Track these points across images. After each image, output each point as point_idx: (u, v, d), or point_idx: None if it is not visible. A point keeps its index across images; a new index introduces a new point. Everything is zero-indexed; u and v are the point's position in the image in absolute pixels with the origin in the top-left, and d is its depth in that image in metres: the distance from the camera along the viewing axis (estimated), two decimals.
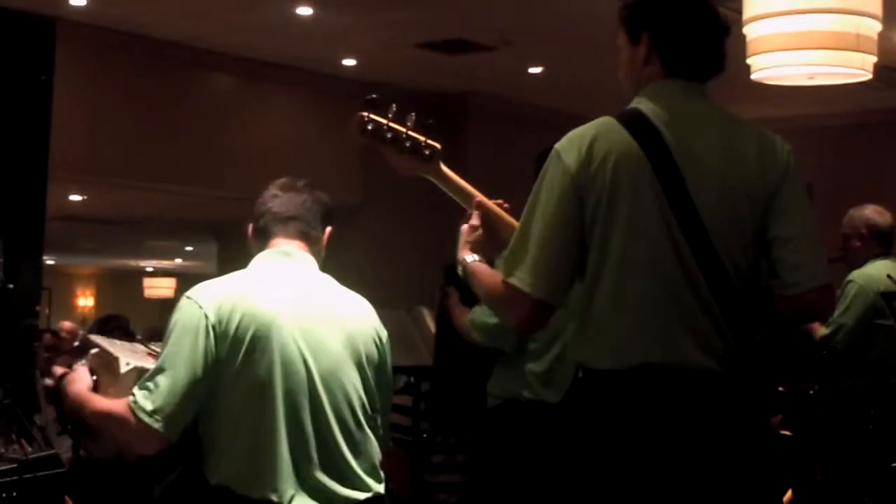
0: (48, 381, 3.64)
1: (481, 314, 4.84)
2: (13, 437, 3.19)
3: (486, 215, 3.38)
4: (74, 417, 3.54)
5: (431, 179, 3.38)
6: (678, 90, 3.11)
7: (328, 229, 3.62)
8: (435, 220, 11.27)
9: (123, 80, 9.70)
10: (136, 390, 3.26)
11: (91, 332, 10.61)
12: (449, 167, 3.52)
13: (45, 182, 4.01)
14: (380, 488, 3.46)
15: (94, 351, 3.62)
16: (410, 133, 3.29)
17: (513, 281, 3.04)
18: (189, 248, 20.25)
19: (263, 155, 10.07)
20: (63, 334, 9.67)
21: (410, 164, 3.33)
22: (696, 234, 3.00)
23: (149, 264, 24.62)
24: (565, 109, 11.02)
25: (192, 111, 10.16)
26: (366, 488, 3.41)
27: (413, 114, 3.27)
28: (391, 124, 3.29)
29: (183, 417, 3.27)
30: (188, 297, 3.35)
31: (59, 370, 3.62)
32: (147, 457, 3.46)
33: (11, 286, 3.76)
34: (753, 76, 6.33)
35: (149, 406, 3.22)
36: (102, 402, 3.42)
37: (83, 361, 3.62)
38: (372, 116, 3.28)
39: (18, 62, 4.02)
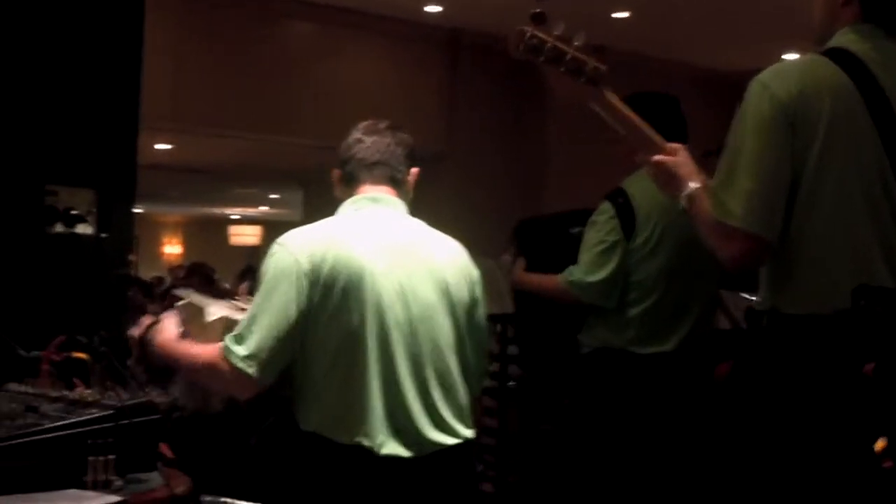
0: (135, 331, 3.67)
1: (579, 273, 4.82)
2: (109, 383, 3.24)
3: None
4: (160, 365, 3.58)
5: (593, 106, 3.17)
6: (879, 34, 3.02)
7: (414, 170, 3.62)
8: (517, 167, 11.29)
9: (208, 29, 9.76)
10: (228, 337, 3.29)
11: (176, 279, 10.78)
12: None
13: (136, 133, 4.05)
14: (469, 434, 3.47)
15: (180, 303, 3.66)
16: (576, 54, 3.07)
17: (724, 216, 2.93)
18: (274, 196, 20.35)
19: (348, 102, 10.08)
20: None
21: (572, 86, 3.10)
22: None
23: (234, 212, 24.80)
24: (650, 54, 10.94)
25: (276, 59, 10.20)
26: (456, 434, 3.42)
27: (583, 33, 3.06)
28: (555, 43, 3.06)
29: (277, 362, 3.29)
30: (280, 244, 3.37)
31: (147, 320, 3.66)
32: (242, 406, 3.50)
33: (104, 236, 3.81)
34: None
35: (242, 352, 3.25)
36: (195, 349, 3.45)
37: (171, 312, 3.65)
38: (535, 32, 3.05)
39: (108, 14, 4.06)
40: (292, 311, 3.28)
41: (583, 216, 5.12)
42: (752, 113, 2.95)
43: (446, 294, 3.46)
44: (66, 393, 3.18)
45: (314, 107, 10.24)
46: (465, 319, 3.51)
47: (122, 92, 4.10)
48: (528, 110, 11.09)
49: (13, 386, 3.27)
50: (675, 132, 4.21)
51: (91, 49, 4.01)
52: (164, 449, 3.15)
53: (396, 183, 3.57)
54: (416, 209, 3.65)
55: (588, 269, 4.81)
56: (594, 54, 3.08)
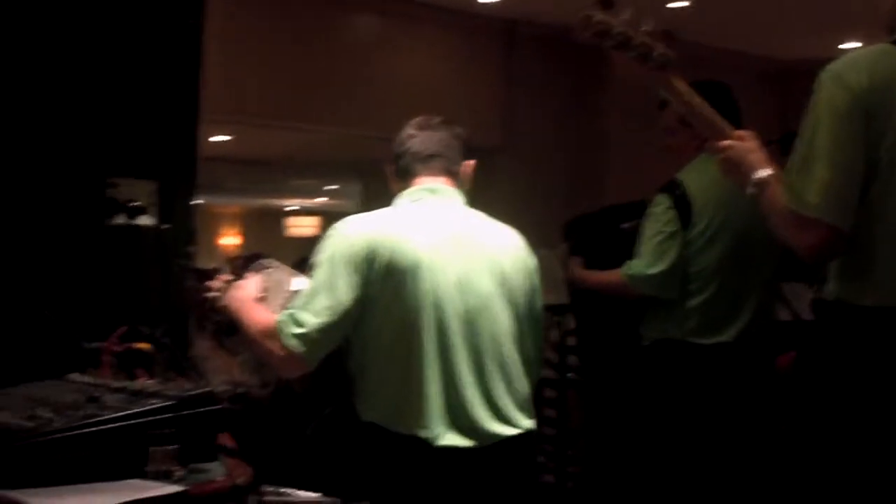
0: (213, 283, 3.70)
1: (639, 266, 4.81)
2: (170, 374, 3.26)
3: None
4: (229, 321, 3.62)
5: (660, 90, 3.19)
6: None
7: (469, 162, 3.63)
8: (576, 158, 11.25)
9: (268, 20, 9.78)
10: (283, 313, 3.31)
11: (234, 269, 10.82)
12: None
13: (197, 125, 4.08)
14: (530, 424, 3.48)
15: (267, 270, 3.69)
16: (643, 39, 3.07)
17: (799, 207, 2.91)
18: (332, 188, 20.38)
19: (406, 94, 10.08)
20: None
21: (639, 71, 3.10)
22: None
23: (292, 203, 24.84)
24: (707, 44, 10.86)
25: (334, 51, 10.20)
26: (517, 424, 3.42)
27: (650, 18, 3.07)
28: (623, 28, 3.06)
29: (325, 345, 3.31)
30: (338, 229, 3.39)
31: (225, 277, 3.70)
32: (297, 390, 3.53)
33: (165, 227, 3.83)
34: None
35: (294, 329, 3.27)
36: (258, 314, 3.48)
37: (255, 275, 3.68)
38: (603, 17, 3.06)
39: (168, 6, 4.08)
40: (348, 295, 3.30)
41: (632, 209, 5.11)
42: (825, 104, 2.92)
43: (504, 284, 3.46)
44: (127, 383, 3.20)
45: (372, 98, 10.24)
46: (523, 308, 3.51)
47: (182, 83, 4.12)
48: (586, 100, 11.03)
49: (75, 376, 3.30)
50: (728, 120, 4.20)
51: (151, 40, 4.03)
52: (225, 439, 3.16)
53: (453, 175, 3.58)
54: (474, 201, 3.66)
55: (648, 261, 4.79)
56: (662, 40, 3.07)
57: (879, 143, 2.89)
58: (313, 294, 3.32)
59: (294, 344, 3.28)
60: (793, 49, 10.89)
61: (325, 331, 3.30)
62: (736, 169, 3.11)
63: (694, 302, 4.76)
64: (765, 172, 3.04)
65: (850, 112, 2.89)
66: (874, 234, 2.92)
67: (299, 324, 3.29)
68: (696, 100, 3.17)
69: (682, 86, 3.14)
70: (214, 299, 3.65)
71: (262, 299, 3.59)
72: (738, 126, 4.70)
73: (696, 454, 4.74)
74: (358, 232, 3.37)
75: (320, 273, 3.35)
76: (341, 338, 3.35)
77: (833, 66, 2.97)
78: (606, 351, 5.60)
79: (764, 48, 11.20)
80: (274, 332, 3.31)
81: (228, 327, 3.67)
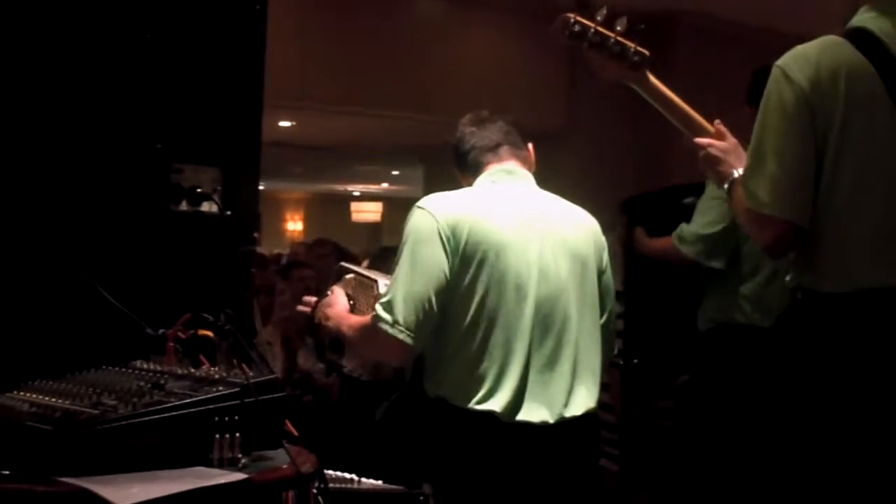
0: (304, 308, 3.80)
1: (693, 227, 4.82)
2: (234, 361, 3.25)
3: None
4: (331, 337, 3.70)
5: (636, 88, 3.29)
6: None
7: (530, 145, 3.68)
8: (642, 141, 11.18)
9: (333, 6, 9.79)
10: (378, 304, 3.37)
11: (294, 254, 10.86)
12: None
13: (261, 111, 4.07)
14: (594, 404, 3.52)
15: (349, 276, 3.76)
16: (619, 38, 3.17)
17: (754, 205, 2.96)
18: (395, 173, 20.44)
19: (471, 79, 10.06)
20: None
21: (616, 70, 3.22)
22: None
23: (356, 189, 24.95)
24: (778, 28, 10.75)
25: (398, 36, 10.20)
26: (582, 405, 3.47)
27: (625, 18, 3.15)
28: (599, 28, 3.16)
29: (425, 324, 3.38)
30: (421, 208, 3.44)
31: (312, 298, 3.79)
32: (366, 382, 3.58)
33: (229, 213, 3.83)
34: None
35: (390, 318, 3.33)
36: (354, 319, 3.56)
37: (339, 285, 3.76)
38: (579, 18, 3.15)
39: None
40: (436, 274, 3.36)
41: (694, 189, 5.13)
42: (774, 100, 2.99)
43: (580, 265, 3.52)
44: (192, 370, 3.20)
45: (437, 83, 10.23)
46: (596, 288, 3.56)
47: (246, 69, 4.11)
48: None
49: (139, 363, 3.30)
50: None
51: (216, 26, 4.02)
52: (289, 426, 3.15)
53: (521, 158, 3.64)
54: (541, 182, 3.67)
55: (702, 221, 4.84)
56: (637, 38, 3.20)
57: (826, 137, 2.92)
58: (404, 278, 3.39)
59: (395, 332, 3.36)
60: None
61: (422, 313, 3.38)
62: (713, 166, 3.18)
63: (749, 283, 4.78)
64: (738, 173, 3.09)
65: (797, 108, 2.93)
66: (823, 224, 2.95)
67: (396, 312, 3.35)
68: (674, 97, 3.32)
69: (658, 83, 3.22)
70: (314, 319, 3.76)
71: (353, 306, 3.68)
72: None
73: (760, 438, 4.73)
74: (439, 210, 3.43)
75: (405, 255, 3.41)
76: (437, 314, 3.39)
77: (781, 62, 3.03)
78: (661, 336, 5.60)
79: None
80: (375, 329, 3.39)
81: (332, 343, 3.78)
